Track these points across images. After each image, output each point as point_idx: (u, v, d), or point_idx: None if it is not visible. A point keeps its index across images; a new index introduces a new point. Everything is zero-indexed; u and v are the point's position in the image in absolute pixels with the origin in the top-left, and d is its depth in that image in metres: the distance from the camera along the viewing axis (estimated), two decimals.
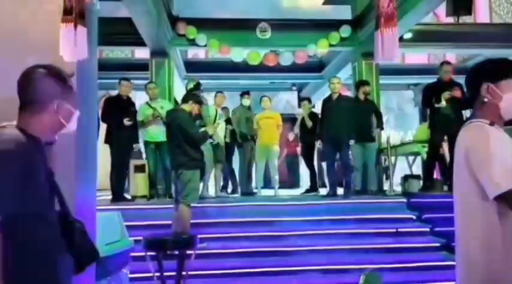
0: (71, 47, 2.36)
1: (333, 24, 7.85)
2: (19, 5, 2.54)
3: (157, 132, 5.86)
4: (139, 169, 6.32)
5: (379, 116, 6.55)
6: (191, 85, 6.08)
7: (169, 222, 4.48)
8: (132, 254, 3.50)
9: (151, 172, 6.15)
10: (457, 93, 5.74)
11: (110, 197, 5.76)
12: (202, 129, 4.86)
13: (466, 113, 9.50)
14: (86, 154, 2.65)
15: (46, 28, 2.52)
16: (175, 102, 7.58)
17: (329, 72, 9.86)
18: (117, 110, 5.71)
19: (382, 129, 6.61)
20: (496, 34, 8.02)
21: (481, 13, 9.56)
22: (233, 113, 7.00)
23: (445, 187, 6.00)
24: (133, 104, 6.08)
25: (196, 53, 10.52)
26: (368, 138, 6.37)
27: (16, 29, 2.53)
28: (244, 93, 6.96)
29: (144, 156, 6.50)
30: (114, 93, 6.22)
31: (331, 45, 7.81)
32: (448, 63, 6.26)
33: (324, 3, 9.09)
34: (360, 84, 6.72)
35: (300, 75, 9.35)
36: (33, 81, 1.48)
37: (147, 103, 6.23)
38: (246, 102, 6.85)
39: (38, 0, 2.55)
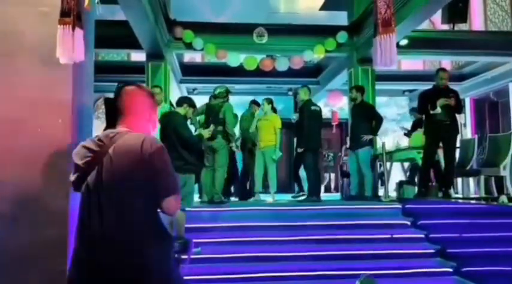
0: (69, 49, 2.35)
1: (330, 30, 7.89)
2: (13, 6, 2.53)
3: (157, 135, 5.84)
4: None
5: (377, 120, 6.51)
6: (218, 91, 6.07)
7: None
8: None
9: None
10: (452, 100, 5.77)
11: None
12: (197, 132, 4.85)
13: (461, 119, 9.64)
14: None
15: (41, 29, 2.51)
16: (171, 105, 7.57)
17: (325, 78, 9.90)
18: (114, 112, 5.68)
19: (374, 134, 6.53)
20: (491, 42, 8.09)
21: (476, 21, 9.65)
22: (242, 120, 7.05)
23: (440, 194, 6.02)
24: None
25: (193, 57, 10.52)
26: (359, 144, 6.38)
27: (10, 30, 2.51)
28: (254, 102, 7.14)
29: None
30: (109, 96, 6.17)
31: (327, 51, 7.83)
32: (444, 70, 6.29)
33: (320, 9, 9.14)
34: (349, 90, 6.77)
35: (296, 80, 9.37)
36: (136, 97, 1.94)
37: None
38: (255, 108, 6.99)
39: (32, 2, 2.54)
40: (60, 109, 2.50)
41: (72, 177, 1.80)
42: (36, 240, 2.43)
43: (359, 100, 6.58)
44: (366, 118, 6.46)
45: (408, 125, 8.67)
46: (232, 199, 6.89)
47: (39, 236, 2.44)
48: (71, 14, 2.35)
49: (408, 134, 8.38)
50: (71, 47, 2.35)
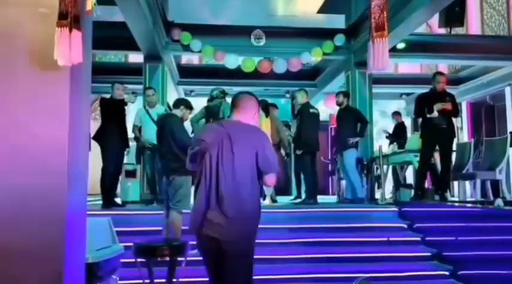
0: (66, 51, 2.34)
1: (327, 33, 7.92)
2: (11, 7, 2.52)
3: (154, 136, 5.82)
4: (131, 174, 6.27)
5: (362, 123, 6.50)
6: (215, 93, 6.07)
7: (161, 228, 4.44)
8: (122, 260, 3.46)
9: (149, 177, 6.10)
10: (449, 105, 5.79)
11: (101, 202, 5.70)
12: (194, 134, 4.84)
13: (457, 122, 9.68)
14: (77, 159, 2.62)
15: (39, 30, 2.51)
16: (168, 107, 7.57)
17: (323, 80, 9.93)
18: (111, 112, 5.66)
19: (360, 136, 6.49)
20: (488, 46, 8.13)
21: (473, 25, 9.70)
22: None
23: (437, 197, 6.04)
24: (126, 103, 6.00)
25: (190, 58, 10.53)
26: (344, 146, 6.40)
27: (8, 31, 2.51)
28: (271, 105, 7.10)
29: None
30: (106, 96, 6.16)
31: (325, 54, 7.86)
32: (441, 73, 6.32)
33: (318, 12, 9.16)
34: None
35: (294, 83, 9.39)
36: (249, 101, 2.58)
37: (144, 108, 6.20)
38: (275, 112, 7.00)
39: (30, 2, 2.54)
40: (57, 111, 2.49)
41: (196, 149, 2.42)
42: (33, 241, 2.42)
43: (344, 105, 6.60)
44: (351, 121, 6.47)
45: (390, 129, 8.72)
46: None
47: (37, 237, 2.43)
48: (68, 16, 2.35)
49: (390, 137, 8.43)
50: (69, 49, 2.35)
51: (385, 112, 11.21)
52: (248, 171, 2.33)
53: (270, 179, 2.41)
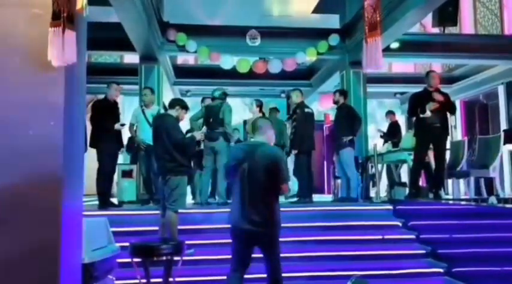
0: (60, 51, 2.35)
1: (322, 33, 7.95)
2: (4, 7, 2.53)
3: (149, 137, 5.82)
4: (127, 174, 6.27)
5: (356, 121, 6.50)
6: (217, 93, 6.09)
7: (157, 228, 4.46)
8: (119, 260, 3.48)
9: (145, 177, 6.11)
10: (440, 97, 5.81)
11: (97, 202, 5.71)
12: (189, 135, 4.85)
13: (451, 121, 9.74)
14: (72, 160, 2.63)
15: (33, 31, 2.51)
16: (164, 107, 7.58)
17: (318, 80, 9.96)
18: (105, 114, 5.67)
19: (353, 135, 6.46)
20: (481, 45, 8.18)
21: (466, 24, 9.77)
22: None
23: (431, 195, 6.08)
24: (118, 108, 6.00)
25: (186, 59, 10.52)
26: (340, 145, 6.42)
27: (2, 31, 2.51)
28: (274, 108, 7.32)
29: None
30: (101, 97, 6.16)
31: (319, 54, 7.89)
32: (433, 72, 6.36)
33: (313, 12, 9.19)
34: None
35: (289, 83, 9.42)
36: (268, 124, 3.35)
37: (141, 107, 6.20)
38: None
39: (23, 3, 2.54)
40: (52, 112, 2.49)
41: (231, 164, 3.20)
42: (29, 242, 2.43)
43: (341, 103, 6.63)
44: (347, 119, 6.48)
45: (385, 128, 8.77)
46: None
47: (32, 238, 2.43)
48: (62, 16, 2.35)
49: (384, 136, 8.47)
50: (62, 49, 2.35)
51: (382, 103, 11.33)
52: (269, 180, 3.05)
53: (284, 187, 3.13)
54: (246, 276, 4.08)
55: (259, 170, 3.03)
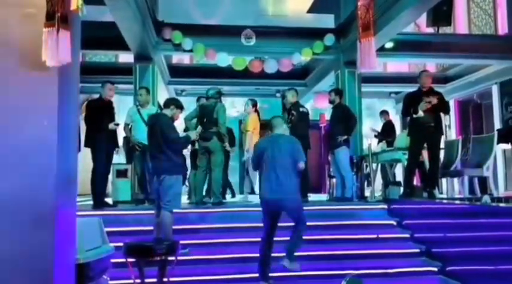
0: (54, 51, 2.34)
1: (317, 33, 7.96)
2: None
3: (145, 136, 5.80)
4: (122, 174, 6.25)
5: (350, 121, 6.51)
6: (211, 92, 6.08)
7: (152, 228, 4.45)
8: (113, 260, 3.47)
9: (140, 177, 6.09)
10: (434, 99, 5.83)
11: (92, 202, 5.68)
12: (184, 134, 4.85)
13: (446, 120, 9.79)
14: (66, 160, 2.62)
15: (27, 31, 2.50)
16: (160, 107, 7.56)
17: (313, 80, 9.98)
18: (99, 114, 5.64)
19: (348, 135, 6.45)
20: (474, 44, 8.24)
21: (460, 24, 9.82)
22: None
23: (425, 194, 6.11)
24: (113, 108, 5.98)
25: (181, 58, 10.51)
26: (335, 145, 6.44)
27: None
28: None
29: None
30: (96, 96, 6.14)
31: (314, 54, 7.91)
32: (426, 72, 6.38)
33: (308, 12, 9.21)
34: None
35: (284, 82, 9.43)
36: (281, 120, 4.36)
37: (136, 106, 6.18)
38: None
39: (17, 3, 2.53)
40: (45, 111, 2.49)
41: (258, 153, 4.14)
42: (23, 242, 2.42)
43: (336, 102, 6.64)
44: (342, 119, 6.48)
45: (379, 127, 8.80)
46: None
47: (26, 238, 2.43)
48: (56, 16, 2.35)
49: (378, 136, 8.51)
50: (56, 49, 2.34)
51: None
52: (289, 162, 3.96)
53: (301, 164, 3.98)
54: (234, 276, 4.13)
55: (282, 153, 3.96)
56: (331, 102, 6.69)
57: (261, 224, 4.65)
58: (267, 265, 4.01)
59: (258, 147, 4.22)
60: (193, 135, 4.80)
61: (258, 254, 4.08)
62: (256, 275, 4.09)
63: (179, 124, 5.51)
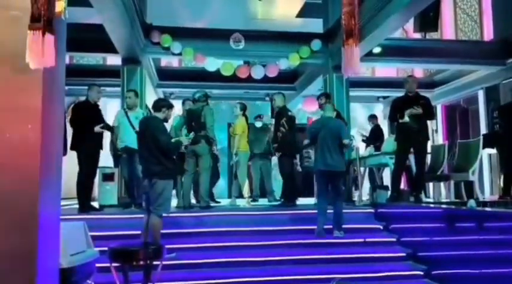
0: (39, 54, 2.32)
1: (305, 37, 8.00)
2: None
3: (132, 140, 5.75)
4: (108, 177, 6.20)
5: None
6: (197, 95, 6.08)
7: (139, 232, 4.41)
8: (98, 265, 3.44)
9: (127, 180, 6.04)
10: (419, 110, 5.88)
11: (77, 206, 5.62)
12: (176, 139, 4.83)
13: (433, 125, 9.89)
14: (50, 163, 2.59)
15: (12, 33, 2.47)
16: (148, 109, 7.52)
17: (301, 84, 10.02)
18: (86, 116, 5.59)
19: None
20: (461, 50, 8.35)
21: (447, 30, 9.95)
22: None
23: (412, 198, 6.16)
24: (100, 110, 5.92)
25: (170, 61, 10.47)
26: None
27: None
28: (258, 116, 7.60)
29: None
30: (82, 99, 6.09)
31: (302, 58, 7.93)
32: (412, 77, 6.45)
33: (297, 16, 9.25)
34: None
35: (273, 86, 9.46)
36: (330, 104, 5.82)
37: (124, 110, 6.13)
38: (259, 124, 7.41)
39: (2, 5, 2.50)
40: (29, 115, 2.46)
41: (313, 132, 5.19)
42: (4, 247, 2.38)
43: None
44: None
45: (367, 132, 8.86)
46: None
47: (8, 243, 2.39)
48: (41, 19, 2.32)
49: (366, 140, 8.57)
50: (41, 53, 2.32)
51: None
52: (337, 139, 4.95)
53: (346, 142, 4.99)
54: (222, 281, 4.12)
55: (332, 132, 4.98)
56: (320, 106, 6.71)
57: (249, 228, 4.70)
58: (325, 215, 4.98)
59: (313, 126, 5.32)
60: (185, 141, 4.79)
61: (246, 258, 4.08)
62: (243, 279, 4.09)
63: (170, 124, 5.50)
